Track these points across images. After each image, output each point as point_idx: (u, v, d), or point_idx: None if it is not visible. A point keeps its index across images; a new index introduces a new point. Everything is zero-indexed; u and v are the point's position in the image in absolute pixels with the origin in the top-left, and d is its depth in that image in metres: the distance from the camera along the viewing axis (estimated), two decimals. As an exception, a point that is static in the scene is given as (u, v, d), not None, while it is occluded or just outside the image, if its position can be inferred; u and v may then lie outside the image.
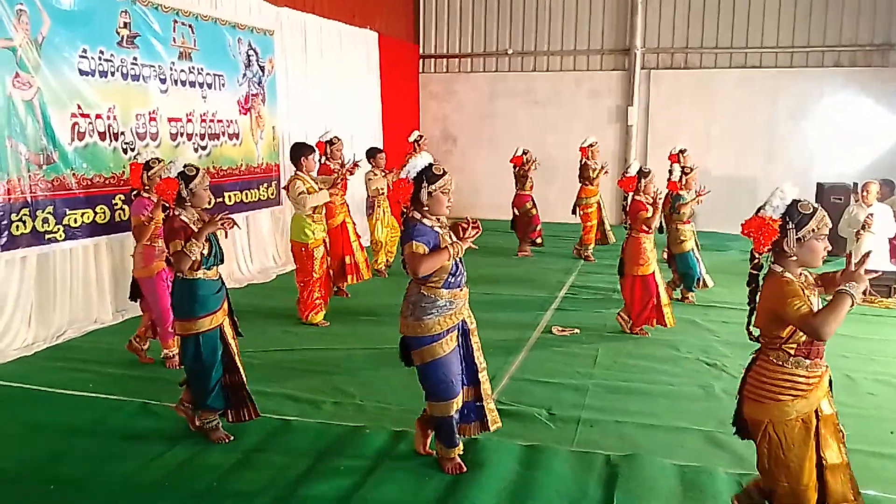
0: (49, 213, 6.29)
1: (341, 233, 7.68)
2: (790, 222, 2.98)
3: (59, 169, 6.38)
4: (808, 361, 3.00)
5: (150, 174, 5.37)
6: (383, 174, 8.79)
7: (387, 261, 9.08)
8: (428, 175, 3.78)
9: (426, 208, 3.80)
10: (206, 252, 4.15)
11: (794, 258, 3.01)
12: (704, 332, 6.74)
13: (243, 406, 4.35)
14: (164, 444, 4.27)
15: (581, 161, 10.28)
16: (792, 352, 2.99)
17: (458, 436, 3.94)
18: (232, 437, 4.31)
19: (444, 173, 3.83)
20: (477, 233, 3.80)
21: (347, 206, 7.87)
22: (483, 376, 4.00)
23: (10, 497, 3.73)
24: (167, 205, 4.31)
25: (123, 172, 7.03)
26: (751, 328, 3.18)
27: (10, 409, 4.87)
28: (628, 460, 4.08)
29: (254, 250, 9.30)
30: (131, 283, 5.69)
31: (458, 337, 3.87)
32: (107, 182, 6.88)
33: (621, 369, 5.76)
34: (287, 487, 3.79)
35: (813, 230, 2.98)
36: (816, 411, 3.02)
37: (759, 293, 3.12)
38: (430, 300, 3.75)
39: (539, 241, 10.52)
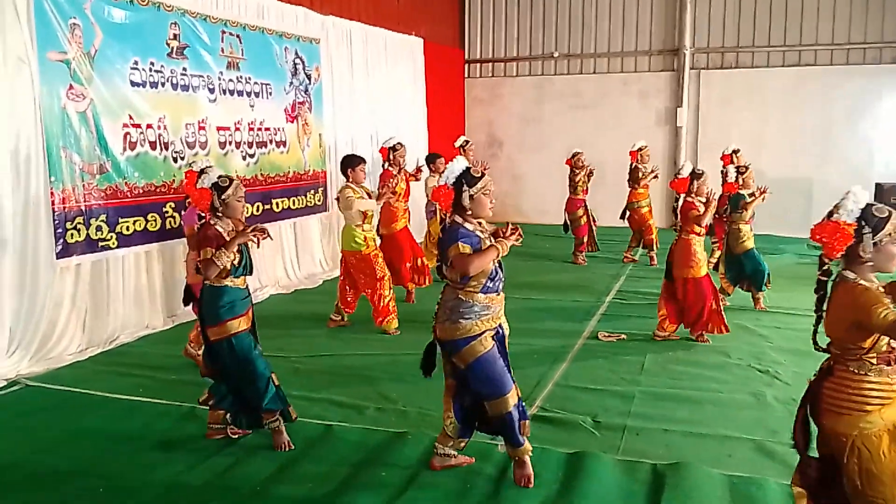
0: (102, 221, 6.46)
1: (407, 235, 7.70)
2: (866, 226, 2.87)
3: (111, 178, 6.55)
4: (889, 368, 2.87)
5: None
6: None
7: None
8: (467, 178, 3.75)
9: (469, 212, 3.77)
10: (236, 262, 4.19)
11: (870, 264, 2.89)
12: (756, 338, 6.56)
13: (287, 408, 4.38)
14: (209, 449, 4.33)
15: (631, 165, 10.14)
16: (874, 361, 2.86)
17: (522, 435, 3.83)
18: (293, 446, 4.31)
19: (483, 174, 3.81)
20: (519, 236, 3.77)
21: (409, 214, 7.88)
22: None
23: (63, 497, 3.82)
24: (202, 214, 4.36)
25: (174, 181, 7.20)
26: (817, 338, 3.06)
27: (64, 412, 5.00)
28: (675, 469, 3.98)
29: (301, 256, 9.41)
30: (184, 288, 5.76)
31: (494, 339, 3.82)
32: (157, 190, 7.04)
33: (669, 376, 5.64)
34: (330, 494, 3.80)
35: (890, 234, 2.86)
36: None
37: (826, 301, 2.99)
38: (468, 305, 3.73)
39: (581, 258, 10.22)
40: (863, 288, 2.86)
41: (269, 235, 4.34)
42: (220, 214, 4.29)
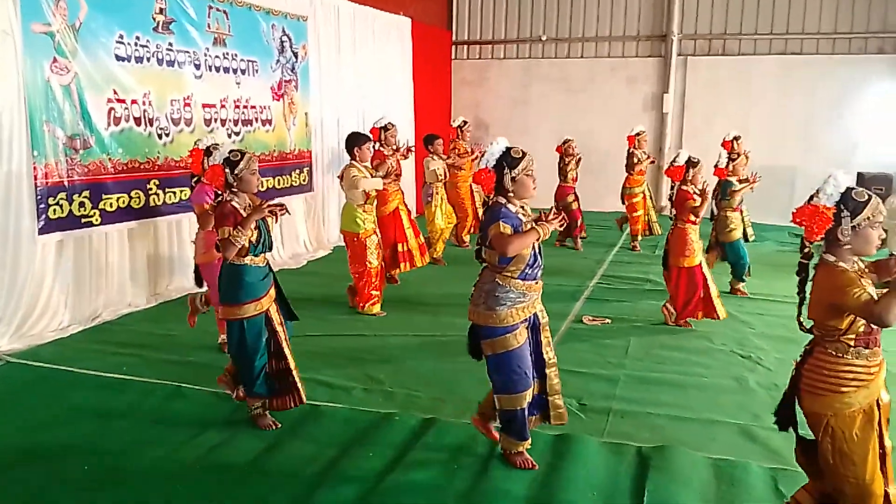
0: (86, 197, 6.37)
1: (394, 219, 7.66)
2: (845, 210, 2.92)
3: (95, 153, 6.46)
4: (867, 350, 2.93)
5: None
6: (442, 160, 8.96)
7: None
8: (508, 160, 3.70)
9: (511, 194, 3.74)
10: (254, 239, 4.13)
11: (848, 247, 2.95)
12: (739, 324, 6.62)
13: (289, 393, 4.34)
14: (196, 428, 4.32)
15: (628, 150, 10.13)
16: (851, 343, 2.92)
17: (527, 429, 3.85)
18: (279, 424, 4.31)
19: (524, 155, 3.74)
20: (561, 219, 3.74)
21: (402, 193, 7.85)
22: (552, 371, 3.91)
23: (47, 477, 3.79)
24: (218, 191, 4.31)
25: (158, 158, 7.12)
26: (801, 319, 3.11)
27: (48, 389, 4.96)
28: (660, 452, 4.03)
29: (285, 236, 9.36)
30: (194, 269, 5.67)
31: (527, 329, 3.79)
32: (141, 167, 6.96)
33: (653, 360, 5.69)
34: (319, 472, 3.82)
35: (868, 218, 2.92)
36: (877, 400, 2.95)
37: (808, 284, 3.05)
38: (505, 290, 3.68)
39: (579, 243, 10.19)
40: (840, 270, 2.92)
41: (287, 211, 4.30)
42: (235, 190, 4.23)
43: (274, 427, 4.30)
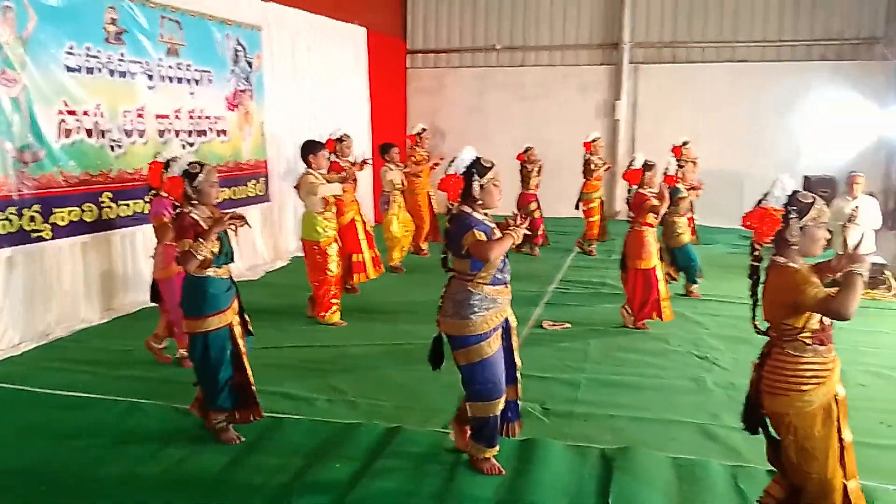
0: (36, 211, 6.22)
1: (349, 229, 7.64)
2: (793, 212, 3.04)
3: (45, 167, 6.31)
4: (822, 348, 3.04)
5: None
6: (399, 168, 8.96)
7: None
8: (478, 169, 3.75)
9: (479, 202, 3.77)
10: (216, 250, 4.09)
11: (796, 247, 3.07)
12: (694, 326, 6.77)
13: (251, 406, 4.30)
14: (157, 444, 4.25)
15: (584, 156, 10.26)
16: (808, 341, 3.02)
17: (497, 436, 3.87)
18: (243, 438, 4.26)
19: (493, 165, 3.81)
20: (527, 222, 3.79)
21: (358, 203, 7.83)
22: (518, 375, 3.97)
23: (14, 497, 3.69)
24: (177, 203, 4.26)
25: (111, 170, 6.99)
26: (756, 322, 3.20)
27: (2, 409, 4.82)
28: (623, 453, 4.10)
29: (243, 248, 9.23)
30: (151, 284, 5.57)
31: (500, 336, 3.82)
32: (94, 179, 6.81)
33: (613, 363, 5.78)
34: (284, 485, 3.79)
35: (814, 219, 3.06)
36: (834, 396, 3.05)
37: (759, 286, 3.15)
38: (478, 297, 3.70)
39: (536, 250, 10.25)
40: (793, 269, 3.03)
41: (246, 222, 4.27)
42: (195, 202, 4.17)
43: (238, 441, 4.25)
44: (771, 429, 3.19)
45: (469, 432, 3.94)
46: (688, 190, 7.85)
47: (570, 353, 6.00)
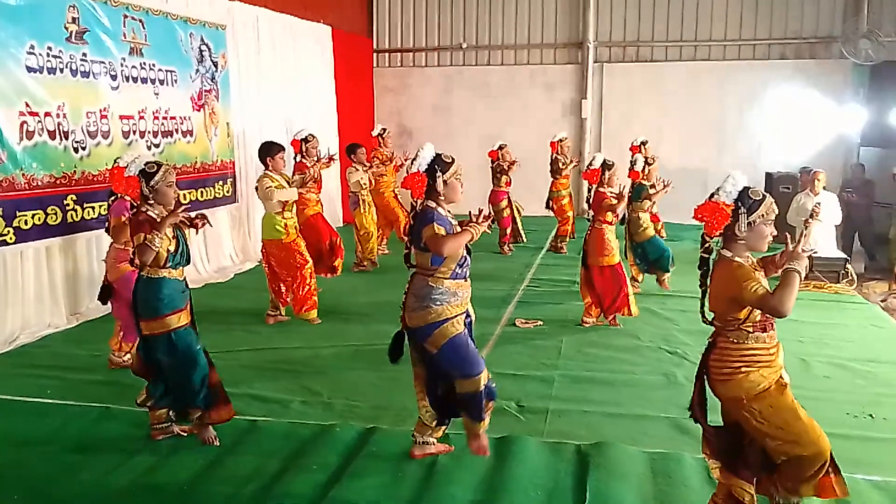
0: (-2, 214, 6.10)
1: (318, 219, 7.64)
2: (742, 207, 3.13)
3: (7, 169, 6.18)
4: (764, 334, 3.15)
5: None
6: (364, 168, 8.91)
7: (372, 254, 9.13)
8: (440, 164, 3.81)
9: (442, 198, 3.83)
10: (172, 249, 4.06)
11: (744, 242, 3.17)
12: (664, 321, 6.87)
13: (224, 404, 4.26)
14: (129, 450, 4.18)
15: (551, 156, 10.36)
16: (750, 329, 3.13)
17: (483, 410, 3.85)
18: (217, 443, 4.21)
19: (454, 160, 3.88)
20: (490, 220, 3.84)
21: (321, 204, 7.80)
22: None
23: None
24: (133, 203, 4.21)
25: (75, 172, 6.87)
26: (705, 312, 3.29)
27: (-35, 418, 4.71)
28: (598, 448, 4.15)
29: (210, 249, 9.15)
30: (102, 286, 5.48)
31: (463, 324, 3.86)
32: (58, 182, 6.69)
33: (585, 359, 5.84)
34: (261, 489, 3.76)
35: (762, 215, 3.15)
36: (780, 379, 3.15)
37: (709, 277, 3.25)
38: (439, 291, 3.75)
39: (507, 248, 10.31)
40: (738, 264, 3.13)
41: (208, 222, 4.26)
42: (152, 202, 4.13)
43: (214, 442, 4.20)
44: (723, 418, 3.28)
45: (463, 415, 3.92)
46: (651, 187, 7.92)
47: (543, 350, 6.05)
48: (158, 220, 4.06)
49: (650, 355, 5.96)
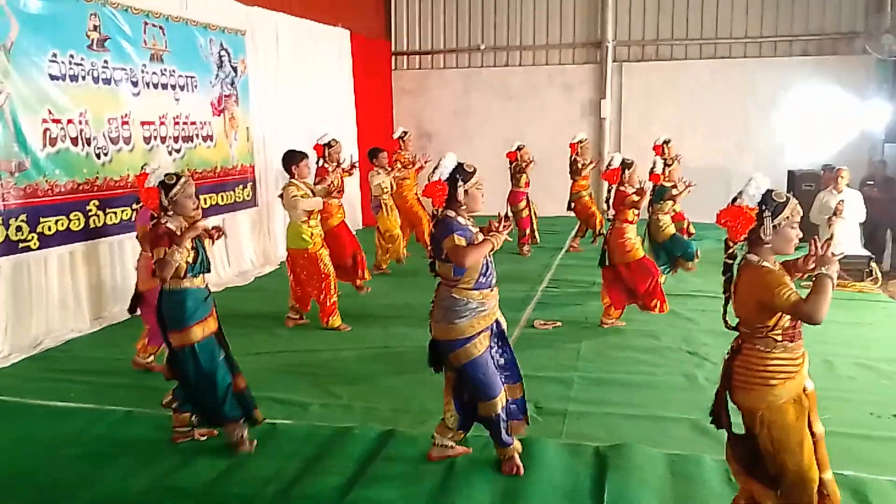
0: (22, 221, 6.18)
1: (343, 230, 7.66)
2: (766, 210, 3.06)
3: (31, 176, 6.27)
4: (792, 344, 3.07)
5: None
6: (386, 172, 8.89)
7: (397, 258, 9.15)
8: (462, 173, 3.81)
9: (463, 207, 3.83)
10: (191, 259, 4.08)
11: (770, 246, 3.09)
12: (684, 322, 6.81)
13: (253, 409, 4.29)
14: (152, 452, 4.23)
15: (571, 157, 10.34)
16: (779, 338, 3.05)
17: (509, 434, 3.89)
18: (253, 450, 4.19)
19: (475, 170, 3.87)
20: (510, 227, 3.82)
21: (344, 209, 7.83)
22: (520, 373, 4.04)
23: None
24: (154, 214, 4.25)
25: (97, 178, 6.96)
26: (727, 318, 3.23)
27: (-9, 421, 4.79)
28: (617, 450, 4.12)
29: (231, 253, 9.22)
30: (133, 295, 5.53)
31: (491, 337, 3.86)
32: (80, 188, 6.78)
33: (605, 361, 5.81)
34: (280, 491, 3.78)
35: (787, 218, 3.07)
36: (804, 389, 3.09)
37: (733, 283, 3.17)
38: (462, 302, 3.75)
39: (526, 249, 10.28)
40: (767, 269, 3.05)
41: (223, 234, 4.29)
42: (171, 213, 4.17)
43: (251, 448, 4.19)
44: (741, 424, 3.21)
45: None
46: (672, 187, 7.88)
47: (562, 351, 6.03)
48: (178, 232, 4.08)
49: (671, 356, 5.91)
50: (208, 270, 4.28)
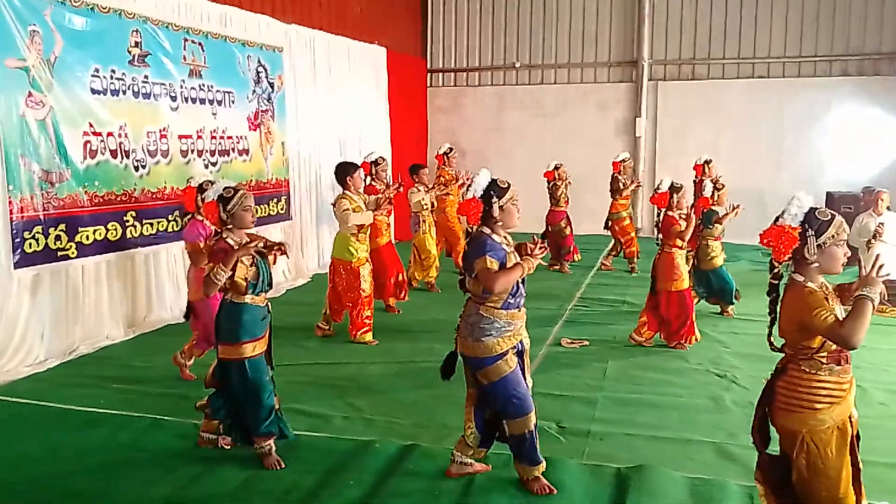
0: (62, 230, 6.35)
1: (389, 250, 7.72)
2: (810, 229, 3.01)
3: (71, 187, 6.45)
4: (839, 367, 2.99)
5: (203, 196, 5.12)
6: (426, 189, 8.92)
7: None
8: (496, 190, 3.80)
9: (499, 223, 3.81)
10: (250, 276, 4.11)
11: (816, 265, 3.03)
12: (714, 344, 6.72)
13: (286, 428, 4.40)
14: (175, 460, 4.30)
15: (613, 175, 10.29)
16: (824, 360, 2.98)
17: (538, 452, 3.88)
18: (283, 465, 4.20)
19: (510, 185, 3.85)
20: (544, 251, 3.81)
21: (391, 228, 7.88)
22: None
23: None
24: (217, 229, 4.34)
25: (135, 190, 7.13)
26: (772, 339, 3.18)
27: (24, 426, 4.90)
28: (638, 472, 4.07)
29: (264, 265, 9.32)
30: (187, 304, 5.66)
31: (516, 355, 3.84)
32: (118, 199, 6.95)
33: (631, 381, 5.75)
34: (298, 501, 3.81)
35: (832, 236, 3.01)
36: (850, 416, 3.01)
37: (779, 303, 3.12)
38: (489, 321, 3.74)
39: (566, 267, 10.16)
40: (809, 290, 2.98)
41: (285, 252, 4.36)
42: (230, 226, 4.22)
43: (279, 466, 4.19)
44: (779, 446, 3.15)
45: (512, 454, 3.94)
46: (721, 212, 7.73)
47: (588, 371, 5.99)
48: (235, 247, 4.09)
49: (698, 378, 5.83)
50: (270, 287, 4.31)
